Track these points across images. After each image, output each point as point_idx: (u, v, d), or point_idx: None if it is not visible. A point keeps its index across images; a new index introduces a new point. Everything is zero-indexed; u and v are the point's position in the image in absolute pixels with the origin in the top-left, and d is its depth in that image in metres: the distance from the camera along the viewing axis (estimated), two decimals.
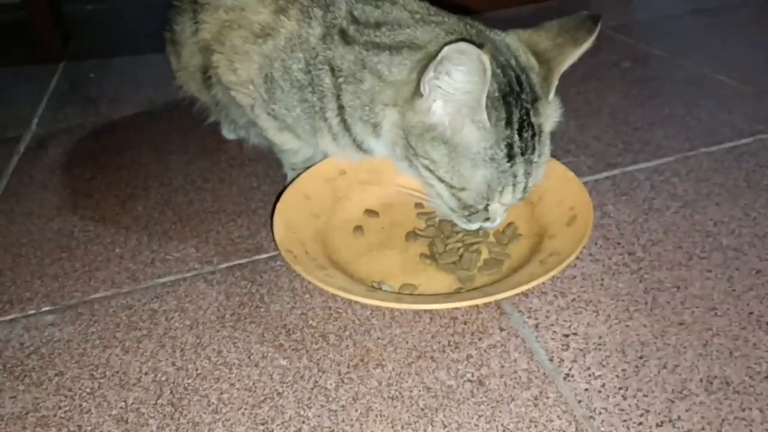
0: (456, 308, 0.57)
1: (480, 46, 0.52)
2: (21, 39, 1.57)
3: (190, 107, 0.94)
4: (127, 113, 1.14)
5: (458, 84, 0.54)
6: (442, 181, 0.58)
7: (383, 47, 0.62)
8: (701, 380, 0.49)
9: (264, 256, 0.70)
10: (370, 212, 0.72)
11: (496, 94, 0.56)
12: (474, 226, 0.61)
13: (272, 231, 0.65)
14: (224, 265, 0.69)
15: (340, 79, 0.64)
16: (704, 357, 0.51)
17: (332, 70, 0.64)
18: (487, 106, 0.54)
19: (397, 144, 0.60)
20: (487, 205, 0.60)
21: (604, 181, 0.76)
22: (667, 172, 0.77)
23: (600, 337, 0.54)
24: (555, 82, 0.61)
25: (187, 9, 0.86)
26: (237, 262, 0.69)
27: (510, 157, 0.57)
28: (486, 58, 0.51)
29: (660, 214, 0.69)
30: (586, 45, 0.60)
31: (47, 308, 0.66)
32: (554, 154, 0.64)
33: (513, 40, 0.61)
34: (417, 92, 0.56)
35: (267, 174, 0.87)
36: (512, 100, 0.57)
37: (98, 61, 1.45)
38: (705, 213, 0.69)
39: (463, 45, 0.51)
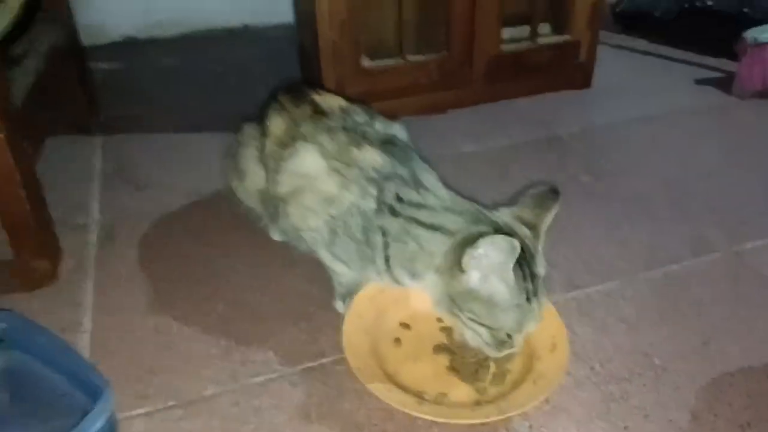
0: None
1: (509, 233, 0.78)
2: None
3: (230, 201, 1.17)
4: (177, 202, 1.33)
5: (495, 260, 0.79)
6: (483, 325, 0.83)
7: (423, 224, 0.87)
8: None
9: (328, 359, 0.95)
10: (404, 325, 0.98)
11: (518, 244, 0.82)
12: (502, 354, 0.86)
13: (344, 351, 0.89)
14: (299, 368, 0.93)
15: (389, 239, 0.89)
16: None
17: (383, 233, 0.89)
18: (514, 269, 0.80)
19: (441, 302, 0.86)
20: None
21: (570, 302, 1.04)
22: (615, 294, 1.06)
23: None
24: (541, 240, 0.88)
25: (250, 144, 1.10)
26: (309, 365, 0.94)
27: (528, 300, 0.82)
28: (518, 243, 0.77)
29: (610, 333, 0.98)
30: (555, 210, 0.88)
31: (172, 403, 0.88)
32: None
33: (509, 218, 0.88)
34: (458, 269, 0.82)
35: (314, 277, 1.10)
36: (523, 261, 0.83)
37: (134, 136, 1.63)
38: (644, 334, 0.97)
39: (500, 237, 0.77)
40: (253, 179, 1.11)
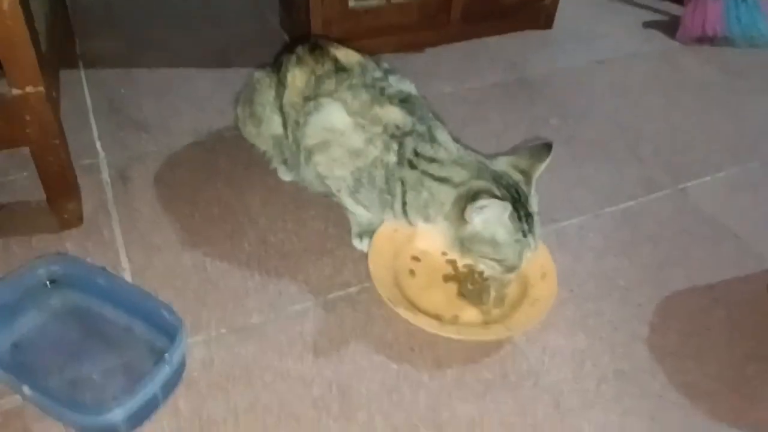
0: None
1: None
2: None
3: (233, 142, 1.30)
4: (181, 143, 1.41)
5: (491, 213, 0.96)
6: (492, 260, 1.00)
7: (433, 177, 1.01)
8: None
9: (353, 289, 1.10)
10: (415, 258, 1.14)
11: (510, 204, 0.98)
12: (513, 274, 1.02)
13: (374, 283, 1.04)
14: (331, 296, 1.08)
15: (407, 187, 1.03)
16: (604, 345, 1.01)
17: (402, 183, 1.03)
18: (509, 215, 0.97)
19: (454, 244, 1.01)
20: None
21: (551, 234, 1.23)
22: (585, 227, 1.26)
23: (558, 346, 1.03)
24: (533, 185, 1.05)
25: (265, 93, 1.19)
26: (337, 294, 1.09)
27: (524, 235, 0.99)
28: (508, 204, 0.94)
29: (583, 261, 1.18)
30: (546, 161, 1.04)
31: (224, 330, 1.02)
32: None
33: (506, 166, 1.03)
34: (463, 219, 0.97)
35: (328, 217, 1.24)
36: (518, 205, 0.99)
37: (118, 71, 1.65)
38: (610, 261, 1.18)
39: (494, 200, 0.93)
40: (269, 125, 1.20)
